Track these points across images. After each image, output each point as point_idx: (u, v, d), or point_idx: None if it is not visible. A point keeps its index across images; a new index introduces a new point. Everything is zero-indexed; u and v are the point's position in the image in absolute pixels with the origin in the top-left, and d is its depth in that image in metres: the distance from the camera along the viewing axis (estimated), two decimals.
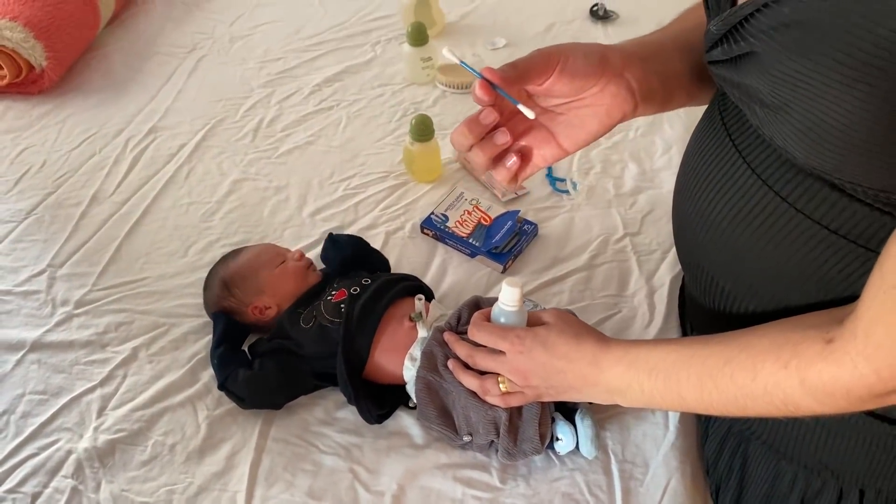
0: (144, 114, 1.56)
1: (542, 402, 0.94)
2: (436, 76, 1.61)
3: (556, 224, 1.31)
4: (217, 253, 1.26)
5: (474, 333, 0.92)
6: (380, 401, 1.03)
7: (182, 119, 1.55)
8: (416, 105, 1.57)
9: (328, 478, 0.98)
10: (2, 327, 1.16)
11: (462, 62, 0.78)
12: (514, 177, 0.79)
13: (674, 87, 0.80)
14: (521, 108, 0.73)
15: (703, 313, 0.90)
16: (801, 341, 0.66)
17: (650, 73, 0.79)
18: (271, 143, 1.49)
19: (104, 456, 1.00)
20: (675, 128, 1.50)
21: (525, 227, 1.28)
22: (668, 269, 1.21)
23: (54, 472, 0.99)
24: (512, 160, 0.78)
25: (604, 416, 1.02)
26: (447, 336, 0.98)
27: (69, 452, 1.01)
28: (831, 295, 0.69)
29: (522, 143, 0.80)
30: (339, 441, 1.02)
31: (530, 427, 0.93)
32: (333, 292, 1.10)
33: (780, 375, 0.67)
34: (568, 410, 0.98)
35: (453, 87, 1.59)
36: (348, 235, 1.24)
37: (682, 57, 0.84)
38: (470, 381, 0.93)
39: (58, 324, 1.16)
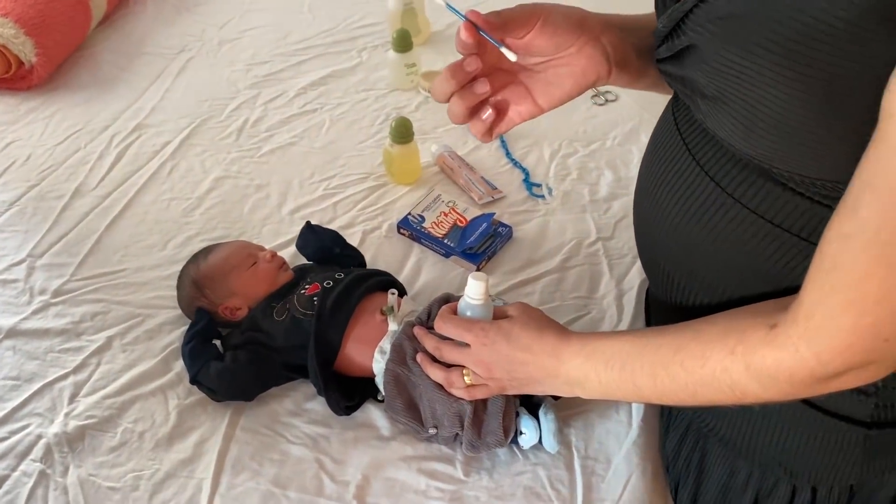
0: (131, 111, 1.59)
1: (507, 396, 0.96)
2: (419, 82, 1.64)
3: (530, 227, 1.34)
4: (196, 247, 1.27)
5: (440, 326, 0.93)
6: (349, 393, 1.05)
7: (168, 117, 1.57)
8: (398, 110, 1.60)
9: (294, 467, 0.99)
10: None
11: (448, 5, 0.80)
12: (489, 131, 0.81)
13: (648, 61, 0.82)
14: (503, 50, 0.75)
15: (664, 310, 0.92)
16: (747, 328, 0.69)
17: (626, 42, 0.82)
18: (255, 143, 1.51)
19: (73, 441, 1.01)
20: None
21: (500, 229, 1.30)
22: (637, 273, 1.23)
23: (23, 455, 1.00)
24: (488, 112, 0.80)
25: (569, 412, 1.04)
26: (416, 330, 1.00)
27: (39, 437, 1.02)
28: (777, 287, 0.72)
29: (499, 97, 0.82)
30: (306, 431, 1.03)
31: (494, 420, 0.95)
32: (307, 286, 1.12)
33: (728, 361, 0.69)
34: (532, 405, 1.00)
35: None
36: (326, 228, 1.26)
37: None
38: (436, 374, 0.95)
39: (35, 312, 1.18)
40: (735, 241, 0.74)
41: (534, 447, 0.98)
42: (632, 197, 1.38)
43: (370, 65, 1.74)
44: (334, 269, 1.15)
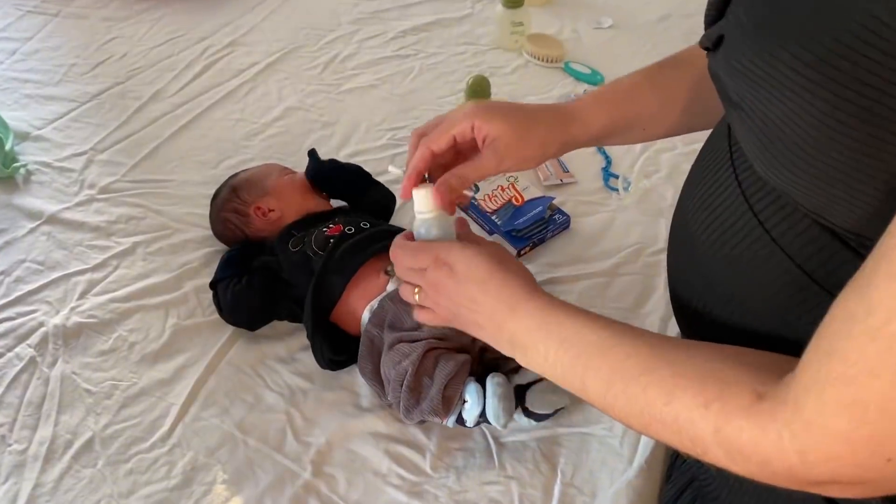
0: (231, 27, 1.58)
1: (461, 365, 0.88)
2: (523, 44, 1.52)
3: (592, 221, 1.20)
4: None
5: (394, 254, 0.77)
6: (338, 347, 0.99)
7: (262, 39, 1.55)
8: (494, 69, 1.49)
9: (263, 414, 0.95)
10: (31, 195, 1.22)
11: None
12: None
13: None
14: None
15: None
16: (731, 384, 0.55)
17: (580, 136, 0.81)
18: (337, 79, 1.46)
19: (69, 336, 1.02)
20: None
21: (556, 216, 1.18)
22: None
23: (22, 339, 1.02)
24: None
25: (565, 430, 0.93)
26: (396, 239, 0.80)
27: (41, 324, 1.04)
28: (795, 338, 0.57)
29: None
30: (287, 381, 0.99)
31: (435, 387, 0.86)
32: (331, 224, 1.07)
33: (697, 413, 0.55)
34: (481, 378, 0.90)
35: (539, 59, 1.49)
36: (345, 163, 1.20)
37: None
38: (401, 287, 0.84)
39: (78, 204, 1.20)
40: (757, 277, 0.60)
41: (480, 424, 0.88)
42: None
43: (479, 18, 1.63)
44: (365, 218, 1.09)
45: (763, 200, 0.58)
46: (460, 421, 0.90)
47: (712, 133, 0.74)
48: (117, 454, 0.91)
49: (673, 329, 1.05)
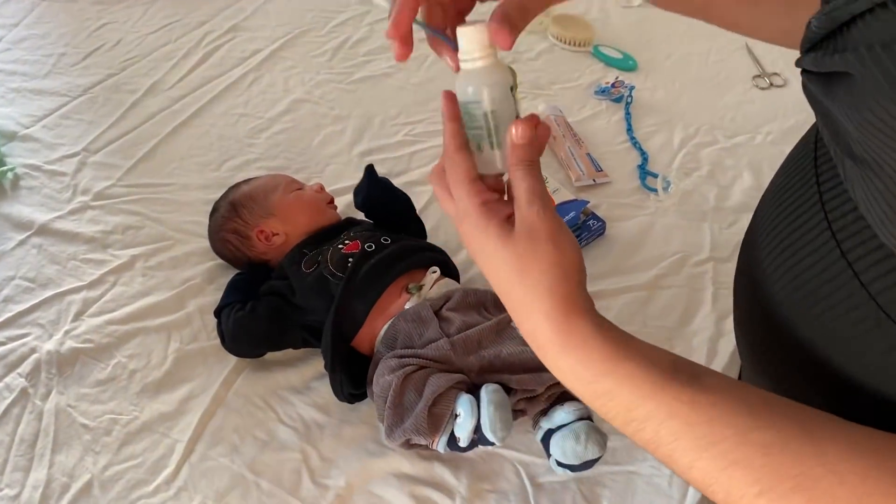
0: (231, 10, 1.47)
1: (454, 381, 0.78)
2: (548, 26, 1.40)
3: (629, 227, 1.10)
4: (252, 173, 1.16)
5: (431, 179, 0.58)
6: (358, 378, 0.90)
7: (266, 23, 1.44)
8: (517, 55, 1.38)
9: (276, 454, 0.87)
10: (20, 203, 1.12)
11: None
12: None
13: None
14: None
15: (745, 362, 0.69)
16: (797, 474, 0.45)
17: None
18: (347, 67, 1.35)
19: (64, 364, 0.94)
20: None
21: (590, 222, 1.08)
22: None
23: (13, 367, 0.93)
24: None
25: (609, 469, 0.84)
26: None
27: (33, 350, 0.95)
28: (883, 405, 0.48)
29: None
30: (302, 414, 0.90)
31: (422, 403, 0.77)
32: (347, 241, 0.97)
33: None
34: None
35: (565, 43, 1.38)
36: (397, 189, 1.09)
37: None
38: None
39: (71, 212, 1.11)
40: (844, 333, 0.50)
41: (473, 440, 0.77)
42: None
43: None
44: (384, 231, 0.99)
45: (869, 263, 0.48)
46: (452, 442, 0.78)
47: (791, 164, 0.63)
48: (118, 499, 0.83)
49: (723, 349, 0.96)
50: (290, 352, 0.95)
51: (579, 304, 0.50)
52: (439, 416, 0.76)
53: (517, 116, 0.54)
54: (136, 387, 0.92)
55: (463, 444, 0.78)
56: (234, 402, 0.91)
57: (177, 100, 1.28)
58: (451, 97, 0.55)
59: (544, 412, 0.82)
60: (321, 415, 0.90)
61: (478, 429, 0.76)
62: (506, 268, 0.51)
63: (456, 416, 0.77)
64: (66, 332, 0.97)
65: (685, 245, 1.08)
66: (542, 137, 0.54)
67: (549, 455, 0.81)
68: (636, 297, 1.02)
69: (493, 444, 0.76)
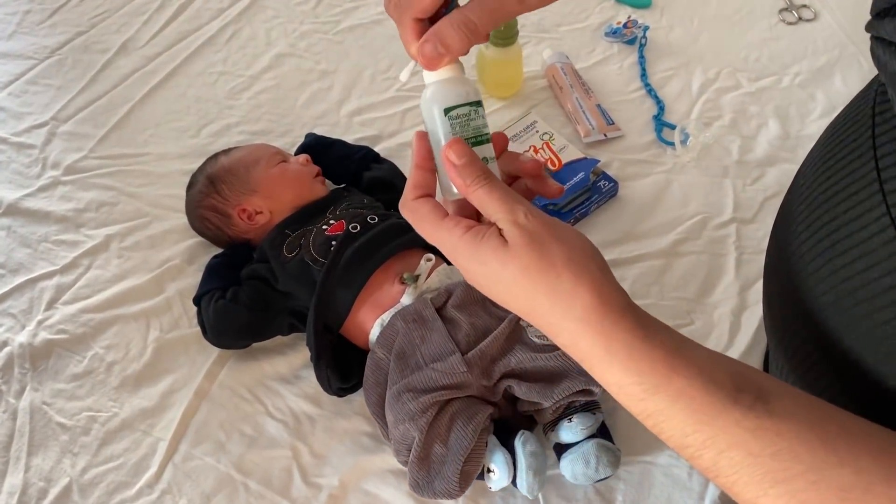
0: None
1: (482, 429, 0.72)
2: None
3: (643, 186, 1.01)
4: (232, 140, 1.08)
5: (403, 206, 0.51)
6: (347, 370, 0.83)
7: None
8: None
9: (265, 451, 0.81)
10: None
11: None
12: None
13: None
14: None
15: (774, 346, 0.62)
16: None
17: None
18: (334, 15, 1.24)
19: (38, 358, 0.88)
20: (850, 82, 1.11)
21: (601, 183, 0.99)
22: None
23: None
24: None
25: (623, 459, 0.77)
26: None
27: (5, 343, 0.89)
28: None
29: None
30: (292, 406, 0.84)
31: (452, 464, 0.71)
32: (332, 221, 0.89)
33: None
34: (507, 430, 0.75)
35: None
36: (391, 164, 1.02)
37: None
38: None
39: (41, 188, 1.03)
40: (889, 335, 0.43)
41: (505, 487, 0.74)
42: (796, 166, 1.03)
43: None
44: (371, 208, 0.91)
45: None
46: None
47: (839, 131, 0.54)
48: None
49: (748, 323, 0.88)
50: (277, 338, 0.89)
51: (613, 297, 0.43)
52: (471, 474, 0.71)
53: (481, 137, 0.48)
54: (115, 380, 0.86)
55: (493, 490, 0.75)
56: (218, 394, 0.85)
57: (150, 59, 1.18)
58: (422, 138, 0.49)
59: (552, 423, 0.75)
60: (312, 406, 0.84)
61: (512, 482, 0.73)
62: (517, 287, 0.45)
63: (489, 471, 0.73)
64: (39, 323, 0.91)
65: (705, 205, 0.99)
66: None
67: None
68: (652, 265, 0.93)
69: None
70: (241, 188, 0.93)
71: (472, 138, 0.48)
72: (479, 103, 0.48)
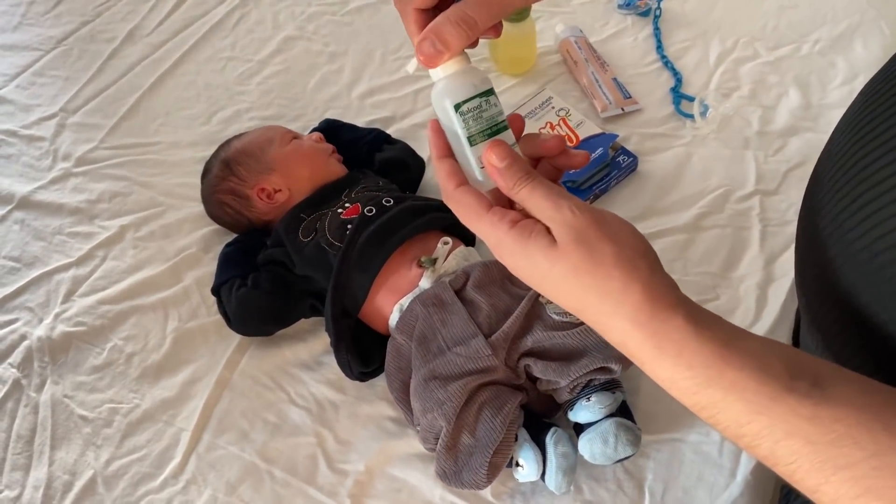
0: None
1: (512, 419, 0.71)
2: None
3: (664, 160, 0.99)
4: (244, 126, 1.06)
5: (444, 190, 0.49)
6: (368, 355, 0.82)
7: None
8: None
9: (289, 438, 0.80)
10: None
11: None
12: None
13: None
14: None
15: (807, 322, 0.60)
16: None
17: None
18: None
19: (57, 351, 0.87)
20: (871, 48, 1.09)
21: (620, 158, 0.97)
22: None
23: (3, 356, 0.88)
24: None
25: (650, 438, 0.76)
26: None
27: (23, 337, 0.89)
28: None
29: None
30: (314, 393, 0.83)
31: (480, 456, 0.70)
32: (347, 204, 0.87)
33: None
34: (536, 425, 0.74)
35: None
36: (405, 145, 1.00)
37: None
38: None
39: (53, 181, 1.02)
40: None
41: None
42: (820, 135, 1.01)
43: None
44: (386, 190, 0.89)
45: None
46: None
47: (872, 93, 0.52)
48: (124, 496, 0.78)
49: (774, 298, 0.86)
50: (297, 324, 0.88)
51: (663, 294, 0.43)
52: (499, 465, 0.70)
53: (498, 126, 0.47)
54: (135, 372, 0.86)
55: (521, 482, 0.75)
56: (240, 383, 0.84)
57: (157, 46, 1.17)
58: (436, 129, 0.48)
59: (570, 402, 0.74)
60: (335, 393, 0.83)
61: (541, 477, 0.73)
62: (567, 285, 0.44)
63: (518, 464, 0.72)
64: (57, 316, 0.90)
65: (727, 178, 0.97)
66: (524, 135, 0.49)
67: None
68: (675, 240, 0.91)
69: None
70: (258, 168, 0.91)
71: (488, 129, 0.47)
72: (489, 91, 0.47)
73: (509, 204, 0.49)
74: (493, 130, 0.47)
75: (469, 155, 0.47)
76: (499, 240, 0.45)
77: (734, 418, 0.41)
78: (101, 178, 1.02)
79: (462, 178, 0.48)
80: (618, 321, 0.43)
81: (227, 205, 0.92)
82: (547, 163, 0.52)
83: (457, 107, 0.46)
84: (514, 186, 0.45)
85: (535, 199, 0.45)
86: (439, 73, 0.47)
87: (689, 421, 0.78)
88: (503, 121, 0.48)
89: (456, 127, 0.46)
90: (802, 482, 0.39)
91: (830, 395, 0.39)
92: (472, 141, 0.47)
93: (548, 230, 0.44)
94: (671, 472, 0.76)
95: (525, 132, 0.53)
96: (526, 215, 0.46)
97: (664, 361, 0.42)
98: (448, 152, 0.48)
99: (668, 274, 0.45)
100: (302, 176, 0.91)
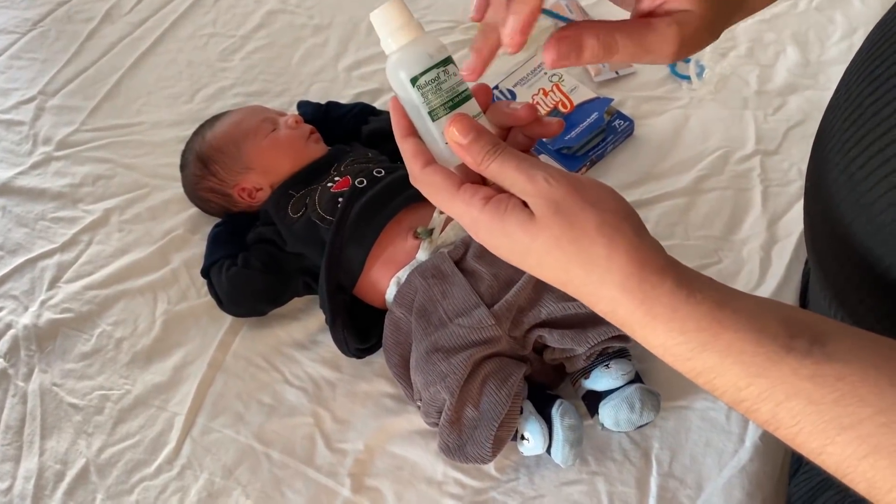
0: None
1: (516, 392, 0.69)
2: None
3: (661, 123, 0.96)
4: (228, 103, 1.03)
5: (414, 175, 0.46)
6: (364, 331, 0.80)
7: None
8: None
9: (286, 419, 0.78)
10: None
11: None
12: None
13: None
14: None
15: (818, 277, 0.58)
16: None
17: None
18: None
19: (44, 339, 0.85)
20: (869, 2, 1.06)
21: (616, 122, 0.94)
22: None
23: None
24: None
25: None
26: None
27: (9, 326, 0.86)
28: None
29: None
30: (310, 372, 0.81)
31: (485, 429, 0.68)
32: (337, 178, 0.85)
33: None
34: (542, 397, 0.72)
35: None
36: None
37: None
38: None
39: (34, 166, 1.00)
40: None
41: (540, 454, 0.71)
42: (819, 92, 0.98)
43: None
44: (376, 161, 0.87)
45: None
46: None
47: (876, 43, 0.49)
48: (118, 484, 0.76)
49: (779, 259, 0.84)
50: (290, 303, 0.85)
51: (651, 258, 0.40)
52: (504, 439, 0.69)
53: (461, 97, 0.44)
54: (125, 357, 0.84)
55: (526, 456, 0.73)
56: (233, 365, 0.82)
57: (137, 25, 1.14)
58: (397, 107, 0.45)
59: (585, 371, 0.72)
60: (331, 371, 0.81)
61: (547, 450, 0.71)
62: (550, 259, 0.41)
63: (523, 438, 0.70)
64: (43, 303, 0.87)
65: (726, 139, 0.94)
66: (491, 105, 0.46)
67: (592, 414, 0.72)
68: (675, 204, 0.89)
69: None
70: (235, 167, 0.88)
71: (450, 102, 0.43)
72: (447, 60, 0.44)
73: (482, 179, 0.46)
74: (455, 102, 0.43)
75: (433, 130, 0.44)
76: (474, 219, 0.43)
77: (732, 382, 0.39)
78: (83, 161, 0.99)
79: (429, 157, 0.44)
80: (606, 290, 0.40)
81: (210, 201, 0.90)
82: (519, 132, 0.48)
83: (413, 80, 0.43)
84: (483, 162, 0.42)
85: (506, 173, 0.42)
86: (391, 45, 0.43)
87: (695, 387, 0.75)
88: (465, 90, 0.44)
89: (415, 102, 0.43)
90: (805, 445, 0.37)
91: (832, 352, 0.37)
92: (433, 115, 0.43)
93: (524, 204, 0.41)
94: (678, 439, 0.74)
95: (516, 100, 0.50)
96: (500, 190, 0.43)
97: (656, 328, 0.40)
98: (411, 131, 0.45)
99: (653, 236, 0.42)
100: (282, 170, 0.88)
